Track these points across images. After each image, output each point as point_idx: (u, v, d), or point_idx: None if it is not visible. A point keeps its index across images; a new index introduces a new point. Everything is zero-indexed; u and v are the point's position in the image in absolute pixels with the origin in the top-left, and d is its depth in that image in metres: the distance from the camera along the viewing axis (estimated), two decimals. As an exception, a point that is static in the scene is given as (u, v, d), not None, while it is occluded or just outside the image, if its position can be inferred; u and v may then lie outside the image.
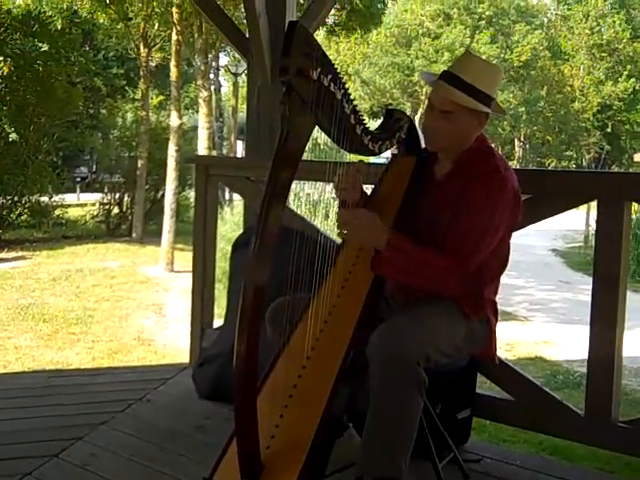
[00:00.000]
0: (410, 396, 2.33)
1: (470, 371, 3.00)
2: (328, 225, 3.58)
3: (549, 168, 40.06)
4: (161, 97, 23.53)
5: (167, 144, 14.15)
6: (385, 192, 2.78)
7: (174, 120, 13.56)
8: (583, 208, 22.19)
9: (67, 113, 17.19)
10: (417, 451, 2.48)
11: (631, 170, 32.76)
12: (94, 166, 28.23)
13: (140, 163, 16.48)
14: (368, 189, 2.87)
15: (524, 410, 3.05)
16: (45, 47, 14.98)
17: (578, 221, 20.50)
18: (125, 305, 10.68)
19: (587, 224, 19.54)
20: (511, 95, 36.23)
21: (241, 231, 4.97)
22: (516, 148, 41.82)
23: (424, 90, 36.19)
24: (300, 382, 2.48)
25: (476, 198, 2.45)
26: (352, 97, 2.49)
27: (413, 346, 2.33)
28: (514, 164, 42.37)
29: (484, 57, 34.65)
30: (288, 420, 2.42)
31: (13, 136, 14.91)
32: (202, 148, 13.94)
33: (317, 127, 2.43)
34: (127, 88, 26.14)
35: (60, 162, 21.72)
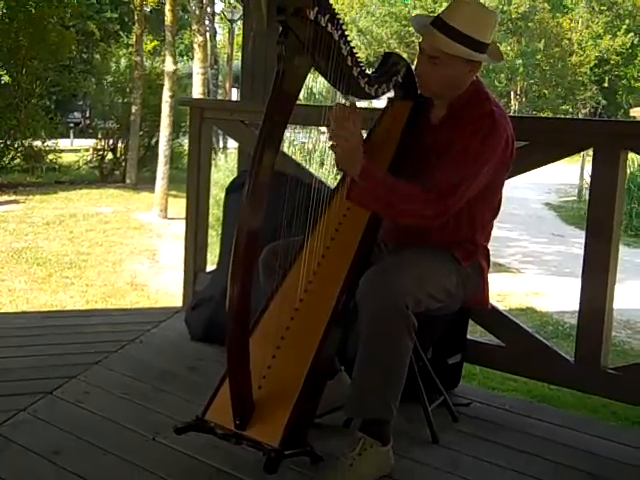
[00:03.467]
0: (399, 339, 2.35)
1: (462, 317, 3.02)
2: (323, 173, 3.56)
3: (545, 121, 39.91)
4: (155, 42, 23.25)
5: (161, 90, 14.01)
6: (381, 135, 2.77)
7: (169, 65, 13.40)
8: (578, 162, 22.14)
9: (60, 57, 16.99)
10: (407, 394, 2.51)
11: (627, 124, 32.62)
12: (87, 112, 28.00)
13: (134, 109, 16.37)
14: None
15: (514, 356, 3.08)
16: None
17: (572, 175, 20.49)
18: (118, 250, 10.69)
19: (581, 178, 19.53)
20: (508, 47, 35.83)
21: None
22: (512, 101, 41.49)
23: (421, 40, 35.74)
24: (292, 324, 2.51)
25: (463, 139, 2.44)
26: (349, 39, 2.47)
27: (402, 290, 2.34)
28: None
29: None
30: (280, 361, 2.45)
31: (5, 79, 14.76)
32: (197, 94, 13.81)
33: (313, 69, 2.42)
34: (121, 33, 25.77)
35: (53, 107, 21.52)
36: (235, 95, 21.69)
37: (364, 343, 2.38)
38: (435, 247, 2.54)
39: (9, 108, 15.73)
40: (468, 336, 3.16)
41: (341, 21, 2.42)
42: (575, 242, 12.69)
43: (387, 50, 36.54)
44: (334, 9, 2.39)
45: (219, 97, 23.60)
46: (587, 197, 13.64)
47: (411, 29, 34.25)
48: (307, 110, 2.83)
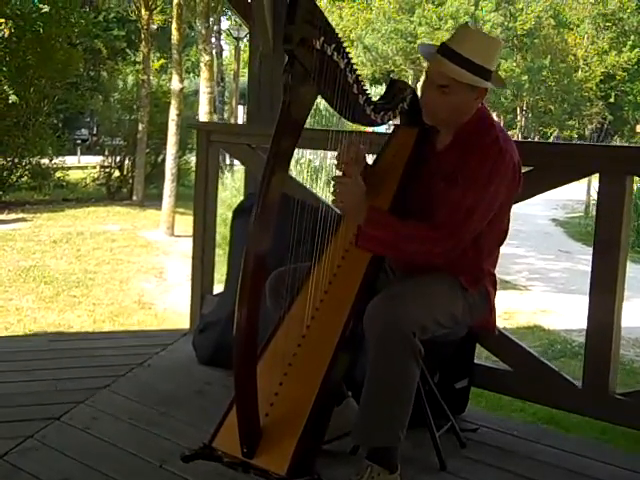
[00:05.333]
0: (406, 366, 2.36)
1: (469, 341, 3.02)
2: (329, 193, 3.58)
3: (551, 137, 40.00)
4: (162, 60, 23.35)
5: (168, 108, 14.07)
6: (386, 163, 2.79)
7: (175, 84, 13.48)
8: (584, 179, 22.15)
9: (67, 75, 17.06)
10: (415, 420, 2.51)
11: (633, 142, 32.70)
12: (95, 128, 28.10)
13: (141, 127, 16.43)
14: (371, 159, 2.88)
15: (522, 380, 3.08)
16: (45, 8, 14.83)
17: (579, 191, 20.44)
18: (126, 268, 10.70)
19: (588, 194, 19.51)
20: (514, 64, 36.02)
21: (242, 197, 4.98)
22: (518, 117, 41.62)
23: (427, 57, 35.87)
24: (300, 351, 2.51)
25: (471, 169, 2.45)
26: (355, 67, 2.49)
27: (408, 317, 2.35)
28: (516, 133, 42.26)
29: (488, 24, 34.46)
30: (287, 389, 2.45)
31: (13, 98, 14.81)
32: (203, 113, 13.88)
33: (319, 96, 2.45)
34: (128, 50, 25.95)
35: (60, 124, 21.63)
36: (241, 112, 21.81)
37: (371, 371, 2.38)
38: (441, 273, 2.54)
39: (17, 127, 15.79)
40: (475, 360, 3.16)
41: (347, 49, 2.45)
42: (582, 259, 12.67)
43: (393, 67, 36.94)
44: (340, 38, 2.42)
45: (226, 114, 23.75)
46: (594, 213, 13.62)
47: (416, 45, 34.46)
48: (314, 133, 2.84)
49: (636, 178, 2.95)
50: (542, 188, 3.05)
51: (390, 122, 2.77)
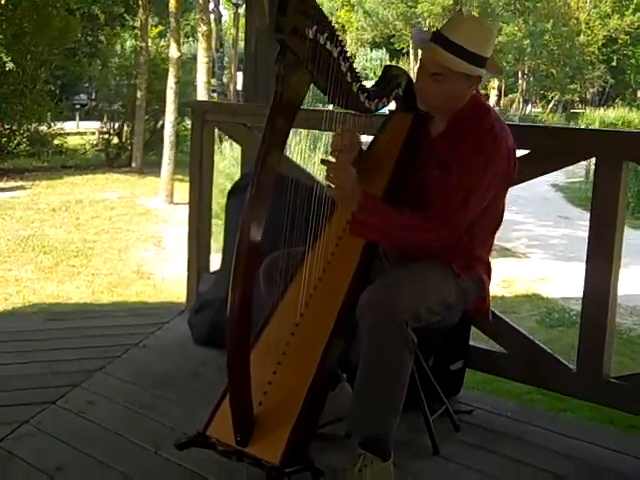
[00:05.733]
0: (399, 356, 2.36)
1: (464, 324, 3.02)
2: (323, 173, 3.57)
3: (552, 101, 39.71)
4: (160, 27, 23.16)
5: (166, 75, 14.01)
6: (381, 148, 2.77)
7: (173, 52, 13.40)
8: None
9: (65, 42, 16.99)
10: (409, 403, 2.52)
11: (634, 105, 32.51)
12: (93, 94, 27.85)
13: (139, 94, 16.34)
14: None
15: (516, 363, 3.08)
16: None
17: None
18: (124, 237, 10.72)
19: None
20: (516, 27, 35.72)
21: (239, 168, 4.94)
22: (519, 81, 41.33)
23: (427, 22, 35.63)
24: (293, 339, 2.51)
25: (465, 156, 2.43)
26: (349, 54, 2.47)
27: (401, 306, 2.35)
28: (517, 97, 42.00)
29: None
30: (281, 377, 2.45)
31: (10, 65, 14.74)
32: (201, 82, 13.80)
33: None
34: (126, 16, 25.64)
35: (58, 90, 21.47)
36: (240, 78, 21.67)
37: (363, 360, 2.38)
38: (434, 260, 2.53)
39: (14, 94, 15.74)
40: (470, 342, 3.16)
41: (340, 37, 2.42)
42: (581, 225, 12.64)
43: (393, 32, 36.59)
44: (333, 26, 2.39)
45: (225, 78, 23.55)
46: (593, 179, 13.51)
47: (417, 10, 34.21)
48: (308, 113, 2.80)
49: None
50: (538, 172, 3.05)
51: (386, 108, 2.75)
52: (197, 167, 4.06)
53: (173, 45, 13.51)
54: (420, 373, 2.76)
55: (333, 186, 2.48)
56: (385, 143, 2.78)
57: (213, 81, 21.63)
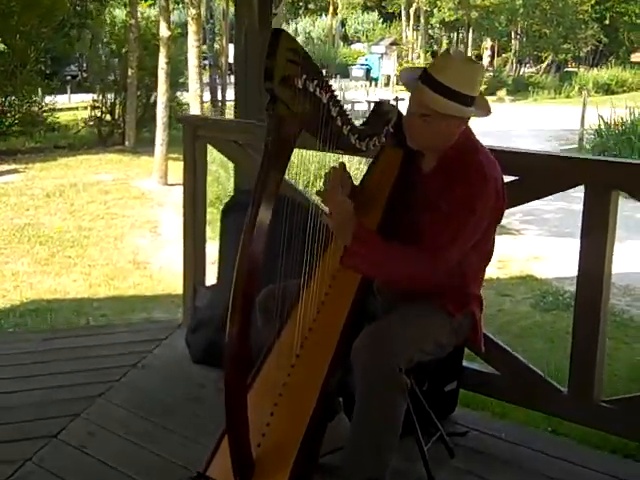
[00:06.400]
0: (392, 400, 2.41)
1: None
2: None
3: (545, 62, 39.42)
4: (150, 1, 22.90)
5: (157, 51, 13.94)
6: (373, 184, 2.79)
7: (164, 31, 13.29)
8: (577, 104, 21.93)
9: (53, 18, 16.87)
10: (404, 429, 2.56)
11: (627, 65, 32.31)
12: (84, 64, 27.61)
13: (130, 72, 16.23)
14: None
15: (509, 384, 3.14)
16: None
17: (573, 120, 20.35)
18: (120, 223, 10.72)
19: (582, 124, 19.39)
20: (508, -13, 35.59)
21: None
22: (512, 41, 41.11)
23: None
24: (289, 380, 2.55)
25: (455, 196, 2.46)
26: (338, 98, 2.48)
27: (395, 353, 2.39)
28: (509, 57, 41.74)
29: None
30: (279, 418, 2.50)
31: (1, 46, 14.64)
32: (192, 66, 13.67)
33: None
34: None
35: (49, 64, 21.34)
36: (232, 50, 21.47)
37: (358, 405, 2.43)
38: (427, 300, 2.57)
39: (4, 74, 15.65)
40: (464, 362, 3.21)
41: (329, 83, 2.44)
42: (575, 197, 12.64)
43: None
44: (322, 73, 2.42)
45: (216, 45, 23.15)
46: (587, 146, 13.61)
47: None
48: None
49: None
50: (526, 198, 3.08)
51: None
52: (191, 182, 4.08)
53: (163, 24, 13.39)
54: (414, 400, 2.81)
55: (329, 212, 2.50)
56: (377, 178, 2.80)
57: (204, 47, 21.49)
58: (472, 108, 2.51)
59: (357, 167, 8.13)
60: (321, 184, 2.64)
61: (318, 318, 2.63)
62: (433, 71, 2.48)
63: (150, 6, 22.58)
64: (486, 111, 2.59)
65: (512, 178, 3.03)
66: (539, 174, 3.01)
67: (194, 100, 13.69)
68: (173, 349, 3.90)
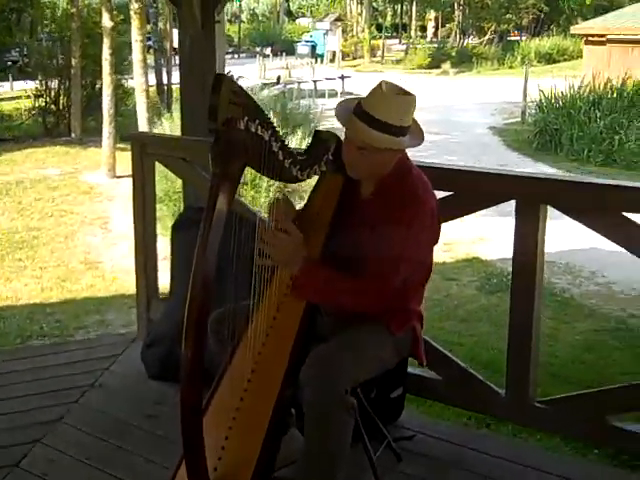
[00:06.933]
0: (340, 422, 2.54)
1: (401, 356, 3.21)
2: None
3: (488, 32, 39.63)
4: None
5: (100, 38, 13.83)
6: (315, 210, 2.88)
7: (106, 21, 13.18)
8: (520, 75, 22.23)
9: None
10: (353, 438, 2.69)
11: (569, 35, 32.65)
12: (25, 50, 27.08)
13: (74, 62, 16.09)
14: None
15: (449, 388, 3.30)
16: None
17: (516, 92, 20.66)
18: (69, 221, 10.71)
19: (524, 96, 19.69)
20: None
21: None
22: (456, 12, 41.33)
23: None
24: (242, 404, 2.66)
25: (393, 220, 2.57)
26: (279, 134, 2.60)
27: (340, 377, 2.52)
28: (453, 29, 41.93)
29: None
30: (234, 441, 2.61)
31: None
32: (136, 60, 13.57)
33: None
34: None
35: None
36: (176, 36, 21.28)
37: (308, 427, 2.56)
38: (371, 321, 2.69)
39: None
40: (408, 369, 3.36)
41: (270, 119, 2.56)
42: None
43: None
44: (264, 112, 2.54)
45: (160, 28, 22.93)
46: (530, 120, 13.91)
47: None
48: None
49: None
50: (460, 213, 3.24)
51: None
52: (140, 198, 4.15)
53: (105, 15, 13.29)
54: (361, 409, 2.95)
55: (274, 255, 2.62)
56: (319, 204, 2.89)
57: (148, 28, 21.21)
58: (406, 137, 2.61)
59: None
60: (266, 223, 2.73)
61: (267, 341, 2.74)
62: (366, 106, 2.57)
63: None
64: (420, 139, 2.68)
65: (447, 193, 3.20)
66: (473, 189, 3.18)
67: (140, 95, 13.55)
68: (129, 365, 3.99)
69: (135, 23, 13.40)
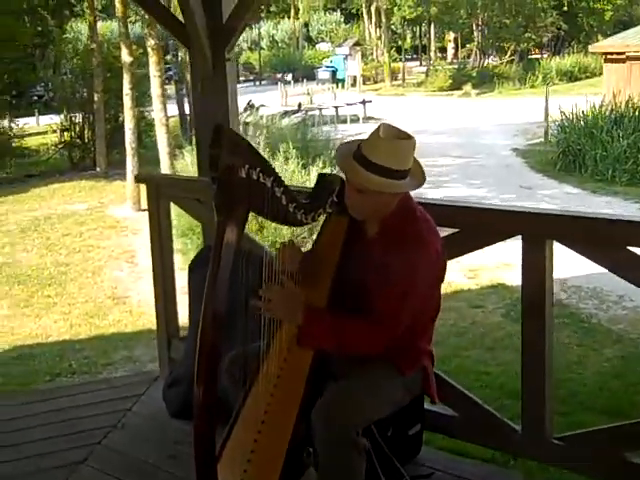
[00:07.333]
0: (352, 463, 2.59)
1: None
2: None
3: (508, 52, 39.63)
4: (109, 23, 22.99)
5: (121, 73, 14.06)
6: (322, 252, 2.94)
7: (125, 57, 13.40)
8: (542, 94, 22.18)
9: (13, 51, 16.92)
10: (370, 478, 2.75)
11: (589, 53, 32.48)
12: (49, 84, 27.52)
13: (96, 97, 16.34)
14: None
15: (466, 425, 3.30)
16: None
17: (538, 111, 20.59)
18: (97, 255, 10.84)
19: (546, 116, 19.65)
20: (465, -18, 35.98)
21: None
22: (474, 33, 41.43)
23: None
24: (257, 446, 2.71)
25: (398, 264, 2.61)
26: (282, 179, 2.67)
27: (351, 420, 2.58)
28: (473, 48, 41.97)
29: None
30: (248, 482, 2.67)
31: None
32: (155, 95, 13.71)
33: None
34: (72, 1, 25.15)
35: (13, 86, 21.34)
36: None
37: (321, 469, 2.62)
38: (379, 363, 2.73)
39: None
40: (425, 405, 3.38)
41: (272, 167, 2.63)
42: (544, 195, 12.92)
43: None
44: (265, 160, 2.61)
45: (180, 54, 23.19)
46: (552, 140, 13.82)
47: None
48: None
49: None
50: (466, 249, 3.27)
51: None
52: (157, 238, 4.24)
53: (124, 50, 13.50)
54: (377, 448, 2.98)
55: (272, 311, 2.68)
56: (325, 246, 2.95)
57: (168, 58, 21.41)
58: (406, 180, 2.64)
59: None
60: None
61: (279, 382, 2.79)
62: (365, 150, 2.61)
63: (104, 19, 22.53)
64: (420, 180, 2.71)
65: (453, 230, 3.23)
66: (478, 226, 3.21)
67: (160, 128, 13.66)
68: (151, 405, 4.04)
69: (153, 59, 13.54)
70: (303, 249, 2.99)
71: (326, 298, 2.80)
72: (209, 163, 2.54)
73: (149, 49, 13.46)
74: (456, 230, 3.23)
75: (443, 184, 14.69)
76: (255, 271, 2.74)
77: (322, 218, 2.96)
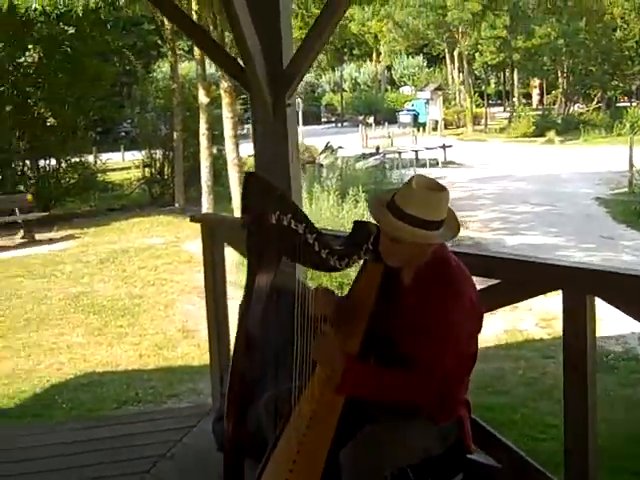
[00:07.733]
0: None
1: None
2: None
3: (595, 99, 39.12)
4: (190, 66, 23.71)
5: (199, 112, 14.47)
6: (358, 299, 2.96)
7: (202, 98, 13.77)
8: (624, 143, 21.72)
9: (99, 89, 17.60)
10: None
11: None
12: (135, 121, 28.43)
13: (176, 135, 16.81)
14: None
15: (508, 476, 3.29)
16: (71, 30, 15.20)
17: (624, 160, 20.17)
18: (170, 289, 11.06)
19: (630, 166, 19.31)
20: (549, 28, 35.67)
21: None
22: (560, 79, 41.08)
23: (459, 29, 35.72)
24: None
25: (433, 314, 2.63)
26: (314, 226, 2.76)
27: (381, 461, 2.61)
28: (558, 96, 41.59)
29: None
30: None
31: (51, 120, 15.31)
32: (228, 137, 13.87)
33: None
34: (159, 42, 26.03)
35: (100, 124, 22.12)
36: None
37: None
38: (415, 413, 2.74)
39: (55, 143, 16.35)
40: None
41: (304, 213, 2.75)
42: (625, 245, 12.57)
43: (425, 41, 36.66)
44: (296, 206, 2.73)
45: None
46: (637, 189, 13.40)
47: (447, 18, 34.44)
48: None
49: None
50: (506, 302, 3.28)
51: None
52: (211, 278, 4.38)
53: (201, 91, 13.86)
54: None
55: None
56: (360, 293, 2.98)
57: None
58: (440, 231, 2.67)
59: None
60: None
61: (311, 423, 2.81)
62: (398, 200, 2.66)
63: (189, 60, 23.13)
64: (455, 231, 2.73)
65: (493, 282, 3.24)
66: (518, 278, 3.20)
67: (232, 168, 13.73)
68: (201, 437, 4.14)
69: (225, 100, 13.70)
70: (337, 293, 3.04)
71: (359, 345, 2.82)
72: (240, 210, 2.68)
73: (222, 91, 13.74)
74: (497, 281, 3.24)
75: (520, 231, 14.54)
76: (289, 312, 2.80)
77: (358, 264, 3.00)
